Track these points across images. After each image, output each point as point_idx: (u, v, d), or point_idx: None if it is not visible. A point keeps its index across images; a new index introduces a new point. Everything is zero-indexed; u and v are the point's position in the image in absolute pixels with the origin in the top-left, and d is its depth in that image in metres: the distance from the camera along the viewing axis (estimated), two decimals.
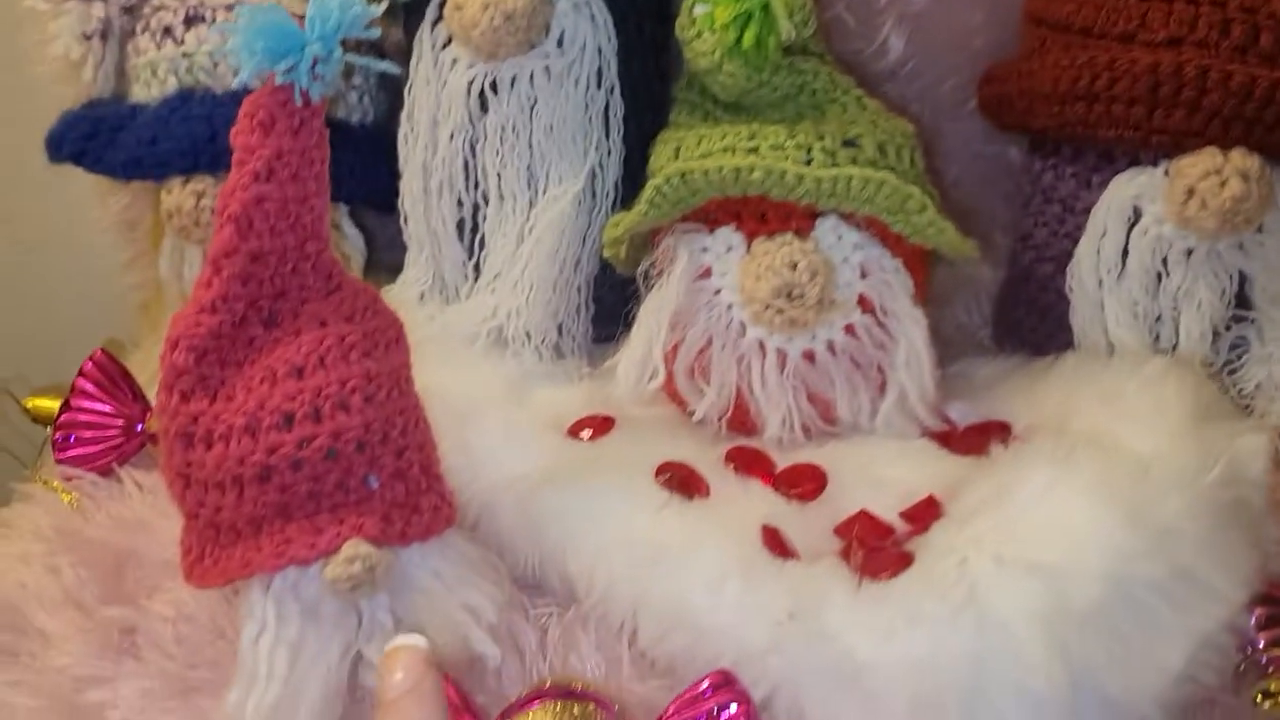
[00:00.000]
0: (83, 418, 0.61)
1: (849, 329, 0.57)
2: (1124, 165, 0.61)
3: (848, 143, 0.57)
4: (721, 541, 0.49)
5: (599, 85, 0.62)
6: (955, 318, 0.75)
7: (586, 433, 0.59)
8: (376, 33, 0.47)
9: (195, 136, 0.61)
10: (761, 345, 0.57)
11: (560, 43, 0.61)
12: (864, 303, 0.57)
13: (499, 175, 0.63)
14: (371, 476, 0.48)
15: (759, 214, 0.57)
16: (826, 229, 0.57)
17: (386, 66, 0.48)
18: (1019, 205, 0.69)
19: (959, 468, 0.54)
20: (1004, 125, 0.68)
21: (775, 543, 0.49)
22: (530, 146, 0.62)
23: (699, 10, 0.56)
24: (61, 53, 0.68)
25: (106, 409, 0.61)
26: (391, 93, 0.70)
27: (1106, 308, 0.61)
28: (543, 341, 0.63)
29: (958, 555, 0.44)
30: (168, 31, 0.64)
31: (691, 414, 0.59)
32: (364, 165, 0.67)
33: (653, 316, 0.58)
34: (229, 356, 0.48)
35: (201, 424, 0.47)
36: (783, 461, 0.57)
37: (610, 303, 0.66)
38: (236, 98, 0.61)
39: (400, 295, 0.65)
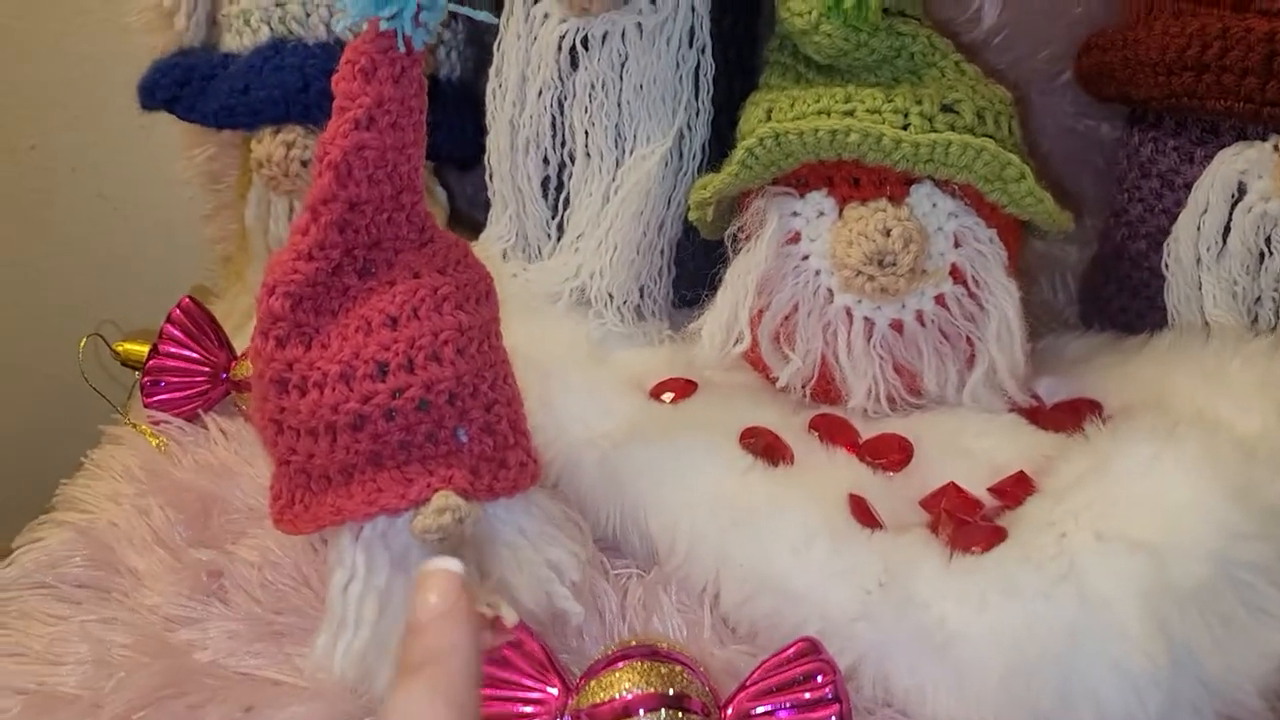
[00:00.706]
0: (170, 363, 0.62)
1: (939, 299, 0.56)
2: (1230, 139, 0.59)
3: (946, 108, 0.56)
4: (807, 506, 0.48)
5: (690, 44, 0.61)
6: (1040, 294, 0.74)
7: (668, 395, 0.58)
8: None
9: (287, 86, 0.61)
10: (849, 313, 0.57)
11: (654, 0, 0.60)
12: (956, 273, 0.56)
13: (586, 133, 0.62)
14: (461, 429, 0.48)
15: (852, 179, 0.57)
16: (921, 196, 0.56)
17: (486, 16, 0.47)
18: (1113, 181, 0.67)
19: (1049, 444, 0.53)
20: (1103, 96, 0.66)
21: (862, 511, 0.49)
22: (619, 105, 0.62)
23: None
24: (154, 1, 0.68)
25: (193, 355, 0.62)
26: (479, 48, 0.70)
27: (1204, 286, 0.60)
28: (624, 303, 0.63)
29: (1056, 530, 0.44)
30: None
31: (774, 380, 0.58)
32: (450, 122, 0.67)
33: (739, 280, 0.57)
34: (324, 304, 0.48)
35: (296, 370, 0.47)
36: (867, 431, 0.56)
37: (692, 267, 0.66)
38: (328, 48, 0.62)
39: (483, 252, 0.65)
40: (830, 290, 0.57)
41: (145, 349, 0.62)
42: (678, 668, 0.44)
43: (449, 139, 0.66)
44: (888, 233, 0.54)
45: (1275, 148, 0.57)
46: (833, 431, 0.55)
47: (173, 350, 0.62)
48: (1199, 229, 0.60)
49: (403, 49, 0.46)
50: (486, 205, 0.73)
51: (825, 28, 0.56)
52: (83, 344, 0.61)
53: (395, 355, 0.47)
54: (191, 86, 0.64)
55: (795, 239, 0.58)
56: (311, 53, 0.62)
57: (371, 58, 0.46)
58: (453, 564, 0.40)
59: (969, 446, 0.54)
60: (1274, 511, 0.43)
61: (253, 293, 0.68)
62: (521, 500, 0.50)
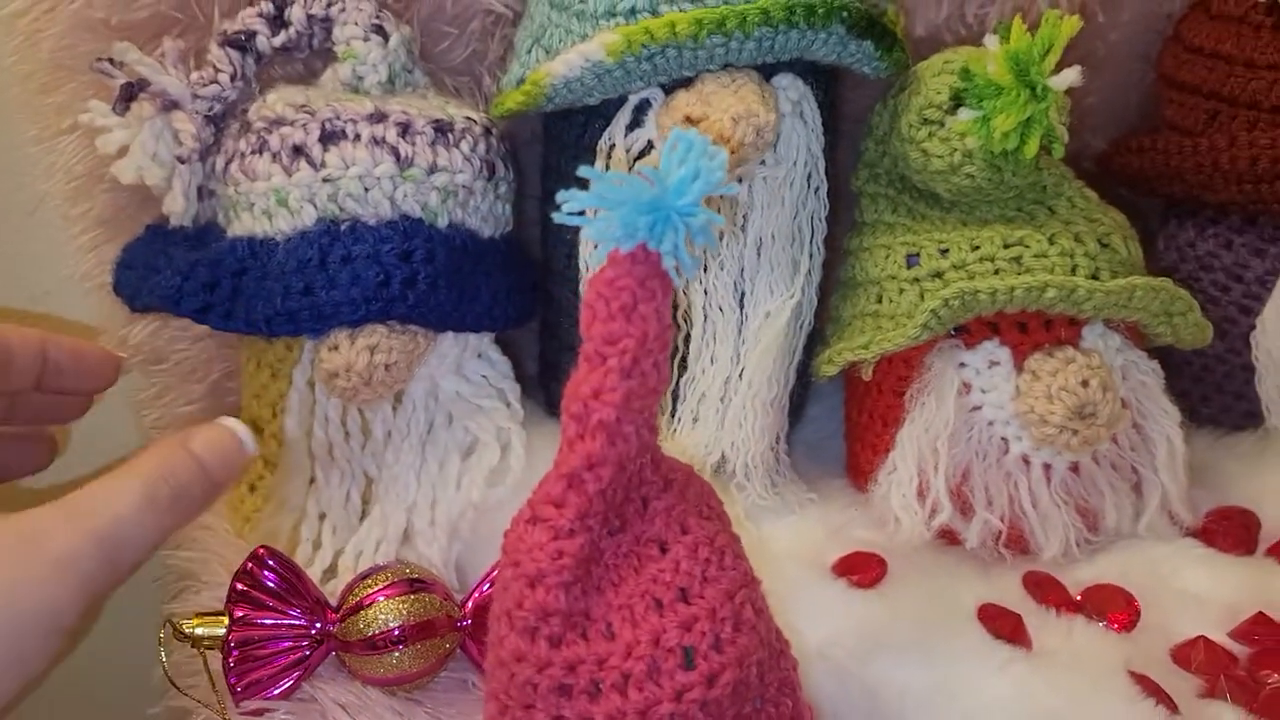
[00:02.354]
0: (256, 633, 0.51)
1: (1112, 435, 0.55)
2: None
3: (1102, 244, 0.55)
4: (1106, 700, 0.46)
5: (809, 188, 0.57)
6: None
7: (854, 576, 0.54)
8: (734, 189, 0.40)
9: (364, 282, 0.51)
10: (1026, 461, 0.55)
11: (775, 147, 0.55)
12: (1124, 405, 0.55)
13: (705, 293, 0.56)
14: (756, 700, 0.42)
15: (1018, 324, 0.54)
16: (1095, 337, 0.54)
17: (729, 188, 0.41)
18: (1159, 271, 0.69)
19: (1252, 573, 0.53)
20: (1154, 194, 0.68)
21: (1156, 692, 0.47)
22: (740, 260, 0.56)
23: (965, 115, 0.52)
24: (133, 177, 0.55)
25: (288, 617, 0.51)
26: (517, 195, 0.61)
27: None
28: (766, 471, 0.57)
29: None
30: (298, 151, 0.52)
31: (963, 542, 0.55)
32: (510, 284, 0.58)
33: (923, 444, 0.54)
34: (589, 582, 0.40)
35: (582, 672, 0.39)
36: (1068, 582, 0.54)
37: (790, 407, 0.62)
38: (398, 226, 0.53)
39: None
40: (1005, 440, 0.55)
41: (223, 621, 0.50)
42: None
43: (511, 304, 0.58)
44: (1085, 384, 0.52)
45: None
46: (1046, 592, 0.53)
47: (254, 616, 0.51)
48: None
49: (676, 278, 0.39)
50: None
51: (969, 169, 0.54)
52: (160, 635, 0.49)
53: (701, 635, 0.40)
54: (222, 289, 0.52)
55: (965, 391, 0.55)
56: (382, 236, 0.52)
57: (633, 292, 0.39)
58: (241, 430, 0.43)
59: (1178, 586, 0.53)
60: None
61: (292, 514, 0.57)
62: None
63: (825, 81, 0.58)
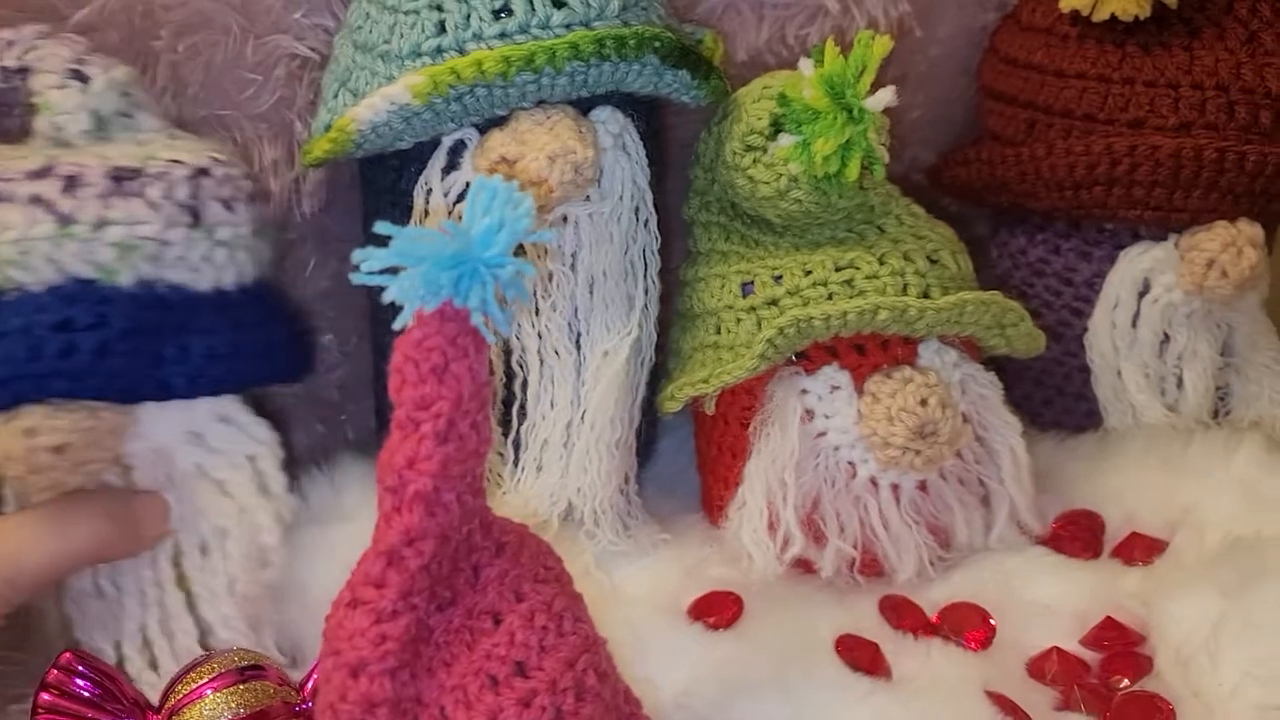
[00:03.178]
0: None
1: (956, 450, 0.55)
2: (1127, 239, 0.63)
3: (932, 260, 0.55)
4: None
5: (638, 221, 0.55)
6: None
7: (710, 618, 0.52)
8: (547, 237, 0.38)
9: (12, 358, 0.46)
10: (874, 483, 0.54)
11: (599, 183, 0.53)
12: (965, 420, 0.55)
13: (539, 336, 0.54)
14: None
15: (855, 346, 0.54)
16: (931, 354, 0.54)
17: (545, 235, 0.38)
18: (991, 280, 0.70)
19: (1100, 576, 0.54)
20: (981, 204, 0.69)
21: (1014, 710, 0.46)
22: (572, 299, 0.54)
23: (785, 141, 0.51)
24: None
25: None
26: (268, 239, 0.56)
27: (1124, 374, 0.64)
28: (615, 514, 0.56)
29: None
30: None
31: (817, 571, 0.54)
32: (255, 338, 0.52)
33: (771, 475, 0.53)
34: (418, 665, 0.38)
35: None
36: (924, 603, 0.54)
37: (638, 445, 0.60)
38: (61, 294, 0.47)
39: None
40: (852, 464, 0.54)
41: None
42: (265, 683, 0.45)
43: (262, 360, 0.52)
44: (924, 403, 0.52)
45: (1176, 245, 0.62)
46: (902, 615, 0.53)
47: None
48: (1114, 324, 0.64)
49: (489, 336, 0.37)
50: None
51: (795, 194, 0.53)
52: None
53: (541, 711, 0.37)
54: None
55: (808, 418, 0.54)
56: (40, 305, 0.46)
57: (443, 352, 0.36)
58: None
59: (1030, 597, 0.53)
60: None
61: None
62: None
63: (647, 111, 0.56)
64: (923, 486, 0.55)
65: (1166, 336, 0.63)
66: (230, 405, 0.52)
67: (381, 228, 0.36)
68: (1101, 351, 0.64)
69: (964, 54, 0.71)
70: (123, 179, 0.48)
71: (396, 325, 0.36)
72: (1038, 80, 0.63)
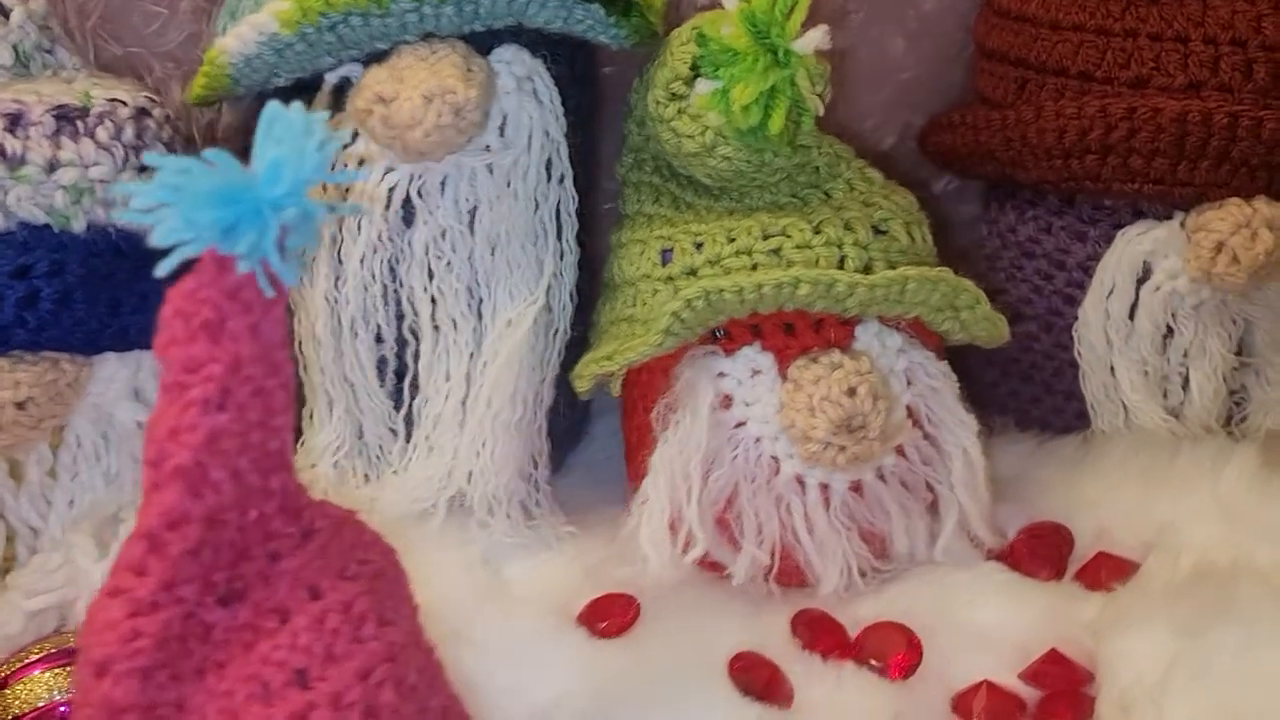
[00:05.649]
0: None
1: (898, 449, 0.49)
2: (1127, 218, 0.56)
3: (877, 230, 0.48)
4: None
5: (549, 178, 0.49)
6: None
7: (601, 624, 0.47)
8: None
9: None
10: (800, 481, 0.48)
11: (502, 131, 0.48)
12: (910, 415, 0.49)
13: (433, 301, 0.49)
14: None
15: (783, 325, 0.47)
16: (870, 337, 0.48)
17: (353, 208, 0.33)
18: (979, 260, 0.62)
19: (1056, 601, 0.47)
20: (970, 175, 0.62)
21: None
22: (471, 262, 0.49)
23: (703, 88, 0.45)
24: None
25: None
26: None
27: (1117, 370, 0.56)
28: (512, 502, 0.50)
29: None
30: None
31: (729, 577, 0.48)
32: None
33: (676, 467, 0.47)
34: (182, 667, 0.33)
35: None
36: (848, 620, 0.47)
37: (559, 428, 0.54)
38: (15, 241, 0.44)
39: (308, 469, 0.50)
40: (775, 459, 0.48)
41: None
42: None
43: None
44: (852, 392, 0.45)
45: (1182, 225, 0.54)
46: (817, 634, 0.46)
47: None
48: (1107, 313, 0.56)
49: (269, 291, 0.31)
50: None
51: (723, 150, 0.47)
52: None
53: None
54: None
55: (727, 404, 0.48)
56: None
57: (218, 305, 0.31)
58: None
59: (970, 621, 0.47)
60: None
61: None
62: None
63: (571, 54, 0.50)
64: (857, 488, 0.48)
65: (1170, 330, 0.56)
66: None
67: (150, 158, 0.31)
68: (1092, 344, 0.56)
69: (963, 7, 0.64)
70: (68, 117, 0.46)
71: (158, 272, 0.31)
72: (1030, 33, 0.56)
